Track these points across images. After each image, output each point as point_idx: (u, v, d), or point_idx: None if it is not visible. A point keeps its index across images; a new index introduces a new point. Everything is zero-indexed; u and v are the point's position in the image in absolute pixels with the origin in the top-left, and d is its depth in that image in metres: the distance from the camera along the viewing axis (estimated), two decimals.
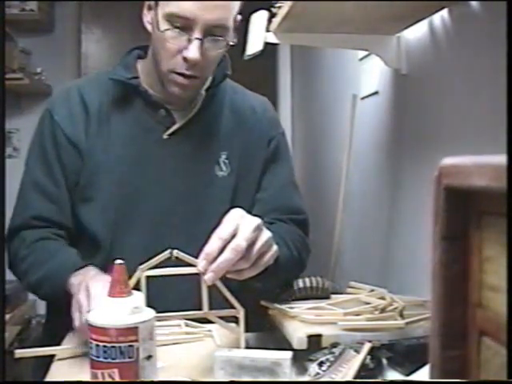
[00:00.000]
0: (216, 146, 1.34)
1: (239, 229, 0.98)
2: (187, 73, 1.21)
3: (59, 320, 1.16)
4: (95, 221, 1.28)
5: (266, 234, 1.03)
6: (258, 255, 1.01)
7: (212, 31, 1.19)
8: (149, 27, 1.26)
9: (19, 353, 1.08)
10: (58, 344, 1.11)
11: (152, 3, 1.23)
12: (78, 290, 1.05)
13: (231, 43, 1.24)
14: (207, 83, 1.33)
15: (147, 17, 1.26)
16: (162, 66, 1.24)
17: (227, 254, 0.96)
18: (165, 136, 1.31)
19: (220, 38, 1.20)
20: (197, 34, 1.17)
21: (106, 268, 1.25)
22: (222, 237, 0.97)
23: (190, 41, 1.18)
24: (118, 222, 1.28)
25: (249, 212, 1.08)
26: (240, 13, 1.25)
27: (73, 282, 1.11)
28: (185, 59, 1.20)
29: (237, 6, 1.23)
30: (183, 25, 1.17)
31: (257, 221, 1.01)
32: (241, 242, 0.97)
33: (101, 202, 1.28)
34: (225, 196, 1.33)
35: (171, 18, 1.18)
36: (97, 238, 1.28)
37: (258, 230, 1.01)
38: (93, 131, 1.29)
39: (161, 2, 1.19)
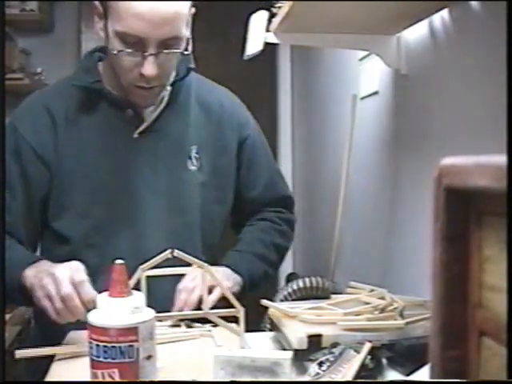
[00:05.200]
0: (186, 140, 1.35)
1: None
2: (146, 86, 1.22)
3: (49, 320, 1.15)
4: (74, 229, 1.28)
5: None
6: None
7: (165, 44, 1.18)
8: (102, 34, 1.24)
9: (19, 353, 1.08)
10: (52, 344, 1.11)
11: (101, 12, 1.21)
12: (40, 279, 1.06)
13: (186, 52, 1.24)
14: (171, 78, 1.32)
15: (99, 24, 1.24)
16: (121, 78, 1.25)
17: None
18: (135, 135, 1.31)
19: (174, 50, 1.20)
20: (150, 51, 1.17)
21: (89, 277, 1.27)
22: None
23: (144, 57, 1.17)
24: (97, 227, 1.29)
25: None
26: (194, 5, 1.24)
27: (27, 274, 1.11)
28: (142, 75, 1.20)
29: (187, 11, 1.20)
30: (135, 42, 1.16)
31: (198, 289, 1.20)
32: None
33: (77, 210, 1.28)
34: (196, 190, 1.35)
35: (122, 36, 1.17)
36: (75, 247, 1.28)
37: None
38: (61, 140, 1.29)
39: (110, 18, 1.17)
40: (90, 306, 1.00)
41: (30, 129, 1.29)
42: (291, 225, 1.50)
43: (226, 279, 1.26)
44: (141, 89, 1.23)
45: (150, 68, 1.18)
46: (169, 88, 1.33)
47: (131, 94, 1.26)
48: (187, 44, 1.24)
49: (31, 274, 1.11)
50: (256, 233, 1.42)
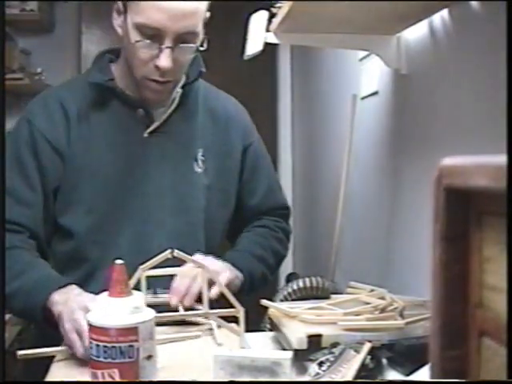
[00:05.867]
0: (194, 142, 1.37)
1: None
2: (160, 79, 1.24)
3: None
4: (79, 224, 1.29)
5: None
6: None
7: (182, 38, 1.20)
8: (119, 30, 1.26)
9: (21, 354, 1.08)
10: (53, 344, 1.10)
11: (121, 8, 1.23)
12: (71, 310, 1.04)
13: (201, 48, 1.25)
14: (182, 81, 1.34)
15: (117, 20, 1.26)
16: (135, 72, 1.26)
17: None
18: (145, 134, 1.32)
19: (191, 45, 1.22)
20: (167, 43, 1.19)
21: (91, 273, 1.27)
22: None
23: (160, 49, 1.19)
24: (102, 224, 1.29)
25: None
26: (208, 9, 1.26)
27: (56, 298, 1.10)
28: (157, 67, 1.21)
29: (205, 8, 1.23)
30: (153, 34, 1.18)
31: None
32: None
33: (83, 206, 1.29)
34: (201, 192, 1.36)
35: (141, 28, 1.19)
36: (80, 243, 1.29)
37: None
38: (74, 136, 1.30)
39: (130, 11, 1.20)
40: None
41: (44, 122, 1.30)
42: (287, 234, 1.51)
43: (227, 269, 1.26)
44: (154, 82, 1.24)
45: (165, 60, 1.19)
46: (179, 90, 1.34)
47: (144, 88, 1.27)
48: (202, 42, 1.25)
49: (60, 301, 1.09)
50: (254, 237, 1.43)
